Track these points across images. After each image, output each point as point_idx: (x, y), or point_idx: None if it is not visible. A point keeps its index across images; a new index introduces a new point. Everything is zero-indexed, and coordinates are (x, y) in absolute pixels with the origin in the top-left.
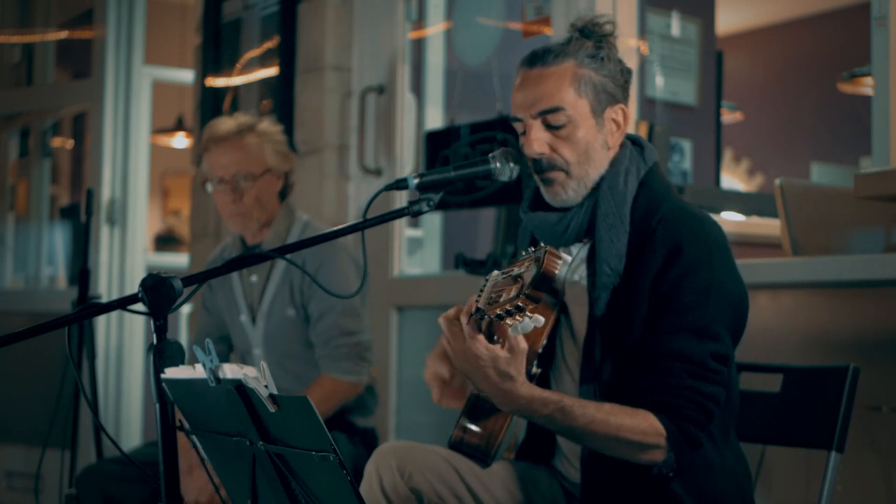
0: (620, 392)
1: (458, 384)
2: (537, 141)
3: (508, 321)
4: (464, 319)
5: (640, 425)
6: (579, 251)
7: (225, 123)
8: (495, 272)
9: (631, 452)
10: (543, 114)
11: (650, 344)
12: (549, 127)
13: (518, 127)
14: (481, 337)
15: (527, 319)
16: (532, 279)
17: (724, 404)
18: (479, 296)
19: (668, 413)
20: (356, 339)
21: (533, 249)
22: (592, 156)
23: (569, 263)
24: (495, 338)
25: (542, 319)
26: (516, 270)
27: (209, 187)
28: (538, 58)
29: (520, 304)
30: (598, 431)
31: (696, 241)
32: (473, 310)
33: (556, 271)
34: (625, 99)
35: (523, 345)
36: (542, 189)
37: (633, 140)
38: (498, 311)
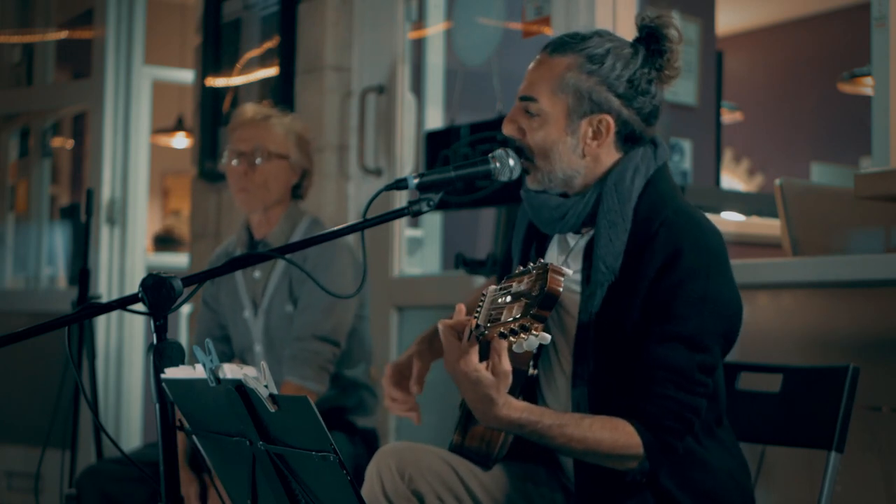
0: (609, 395)
1: (409, 404)
2: (511, 122)
3: (512, 339)
4: (464, 334)
5: (619, 440)
6: (577, 242)
7: (255, 107)
8: (492, 287)
9: (608, 463)
10: (524, 99)
11: (640, 350)
12: (527, 112)
13: None
14: (474, 356)
15: (532, 337)
16: (537, 300)
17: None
18: (478, 312)
19: (647, 422)
20: (322, 347)
21: (532, 266)
22: (554, 156)
23: (570, 277)
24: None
25: (548, 337)
26: (515, 287)
27: (227, 159)
28: (551, 44)
29: (525, 324)
30: (577, 448)
31: (696, 248)
32: (473, 326)
33: (560, 289)
34: (626, 108)
35: (507, 368)
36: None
37: (651, 139)
38: (501, 330)
